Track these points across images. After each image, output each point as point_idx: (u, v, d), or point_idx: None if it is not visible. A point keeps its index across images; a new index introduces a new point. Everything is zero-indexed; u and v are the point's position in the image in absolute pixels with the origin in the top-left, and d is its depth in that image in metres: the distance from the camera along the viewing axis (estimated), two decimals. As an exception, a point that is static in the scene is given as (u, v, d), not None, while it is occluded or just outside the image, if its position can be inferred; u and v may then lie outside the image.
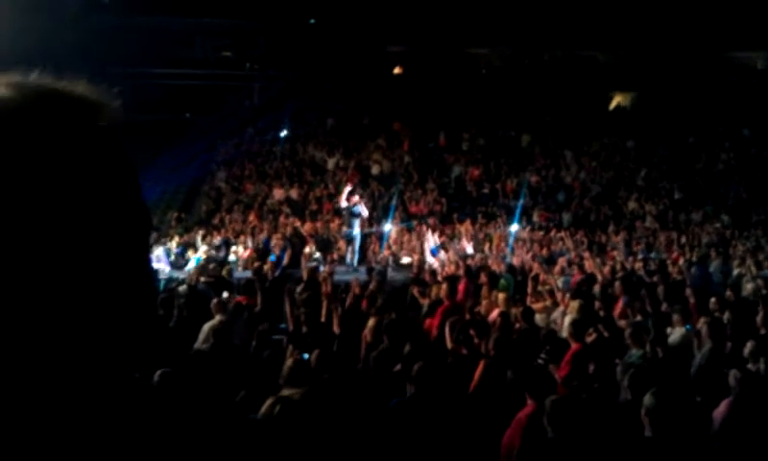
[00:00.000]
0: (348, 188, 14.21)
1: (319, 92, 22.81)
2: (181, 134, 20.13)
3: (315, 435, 1.91)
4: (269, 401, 1.94)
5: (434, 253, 13.85)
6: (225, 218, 17.52)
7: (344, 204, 14.04)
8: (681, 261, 12.27)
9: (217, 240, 14.88)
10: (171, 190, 19.51)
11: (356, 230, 13.76)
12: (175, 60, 23.80)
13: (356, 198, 13.94)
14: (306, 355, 6.24)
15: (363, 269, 12.12)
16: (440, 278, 10.37)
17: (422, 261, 12.77)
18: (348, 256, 13.57)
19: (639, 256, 13.18)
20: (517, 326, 7.76)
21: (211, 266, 12.33)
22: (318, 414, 1.93)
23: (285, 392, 1.93)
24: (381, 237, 15.44)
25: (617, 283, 9.66)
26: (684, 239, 15.11)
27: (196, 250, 14.49)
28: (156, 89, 22.60)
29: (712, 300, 8.62)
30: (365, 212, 14.15)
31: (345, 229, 14.34)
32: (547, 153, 21.40)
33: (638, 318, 7.86)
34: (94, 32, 18.31)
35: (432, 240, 14.48)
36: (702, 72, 23.01)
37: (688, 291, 9.59)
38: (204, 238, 15.07)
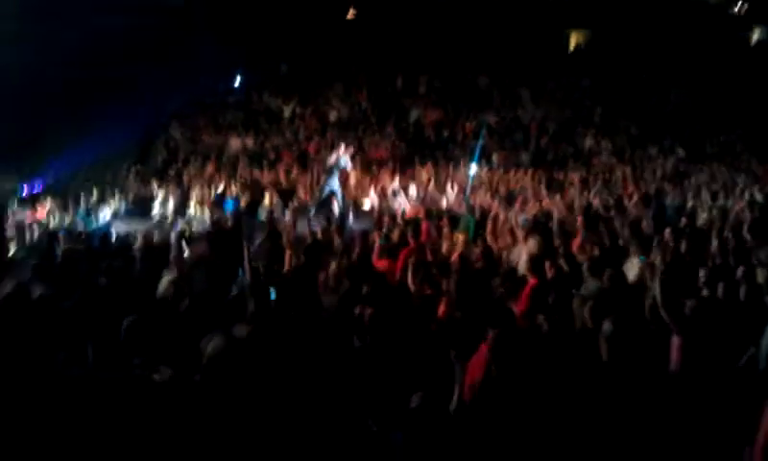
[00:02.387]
0: (341, 150, 14.72)
1: (272, 39, 22.28)
2: (134, 87, 19.58)
3: (260, 372, 1.89)
4: (215, 339, 1.91)
5: (395, 197, 13.87)
6: (181, 169, 17.25)
7: (332, 160, 14.37)
8: (636, 196, 12.47)
9: (173, 192, 14.67)
10: (125, 143, 19.08)
11: (336, 184, 13.96)
12: (123, 9, 22.92)
13: (342, 150, 14.29)
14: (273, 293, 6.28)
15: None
16: (400, 221, 10.40)
17: (383, 206, 12.77)
18: (336, 209, 13.57)
19: (595, 192, 13.35)
20: (478, 265, 7.85)
21: (172, 217, 12.21)
22: (264, 352, 1.91)
23: (234, 331, 1.90)
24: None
25: (578, 218, 9.81)
26: (639, 174, 15.34)
27: (153, 203, 14.32)
28: (108, 41, 21.82)
29: (667, 230, 8.79)
30: (349, 164, 14.55)
31: (323, 179, 14.54)
32: (504, 93, 21.38)
33: (596, 252, 7.98)
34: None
35: (393, 185, 14.48)
36: (654, 7, 22.98)
37: (645, 224, 9.79)
38: (160, 189, 14.85)
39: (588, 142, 18.58)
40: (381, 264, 8.00)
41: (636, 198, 12.34)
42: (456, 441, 4.01)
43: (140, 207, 14.27)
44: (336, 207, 13.58)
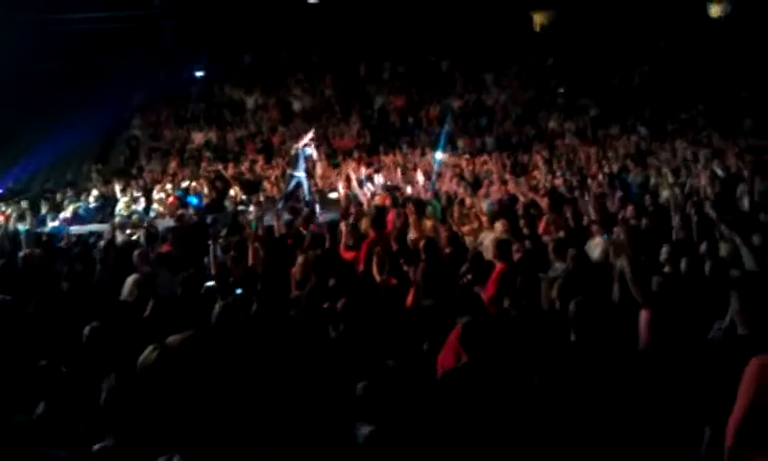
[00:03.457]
0: (309, 135, 14.30)
1: (233, 30, 21.96)
2: (93, 82, 19.18)
3: (197, 381, 1.83)
4: (148, 349, 1.84)
5: (362, 186, 13.81)
6: (143, 167, 16.99)
7: (296, 147, 14.16)
8: (600, 176, 12.56)
9: (137, 191, 14.44)
10: (85, 141, 18.71)
11: (302, 172, 13.82)
12: (80, 2, 22.37)
13: (307, 139, 14.14)
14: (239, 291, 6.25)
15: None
16: (367, 210, 10.35)
17: (350, 196, 12.70)
18: (303, 200, 13.43)
19: (559, 174, 13.43)
20: (447, 250, 7.85)
21: (134, 218, 12.00)
22: (200, 358, 1.84)
23: (169, 338, 1.82)
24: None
25: (545, 201, 9.85)
26: (602, 153, 15.45)
27: (116, 202, 14.07)
28: (63, 36, 21.34)
29: (629, 208, 8.87)
30: (315, 153, 14.36)
31: (289, 171, 14.30)
32: (468, 77, 21.37)
33: (561, 234, 8.01)
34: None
35: (358, 174, 14.41)
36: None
37: (611, 202, 9.88)
38: (123, 190, 14.59)
39: (552, 124, 18.68)
40: (349, 255, 7.97)
41: (600, 177, 12.44)
42: (427, 431, 4.00)
43: (102, 208, 14.01)
44: (303, 199, 13.48)
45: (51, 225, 12.51)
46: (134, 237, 9.95)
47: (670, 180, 11.78)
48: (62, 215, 13.30)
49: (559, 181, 12.42)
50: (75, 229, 12.08)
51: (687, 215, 8.25)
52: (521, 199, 10.42)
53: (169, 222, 11.70)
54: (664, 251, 6.51)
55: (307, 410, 4.06)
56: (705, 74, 19.56)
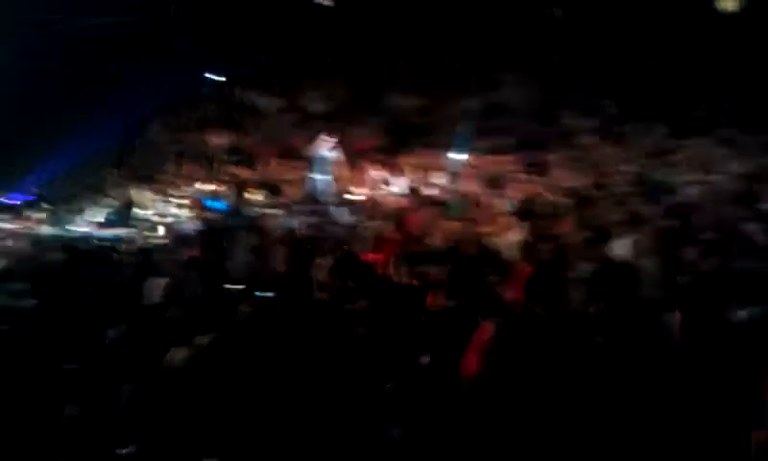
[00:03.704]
0: (330, 138, 14.17)
1: (249, 32, 22.04)
2: (110, 86, 19.34)
3: (226, 382, 1.85)
4: (174, 350, 1.85)
5: (382, 187, 13.83)
6: (164, 170, 17.11)
7: (315, 151, 14.15)
8: (621, 174, 12.48)
9: (158, 194, 14.56)
10: (104, 146, 18.87)
11: (321, 176, 13.82)
12: (98, 7, 22.58)
13: (325, 140, 14.11)
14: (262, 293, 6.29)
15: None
16: (387, 211, 10.37)
17: (370, 197, 12.72)
18: (323, 203, 13.45)
19: (580, 172, 13.32)
20: (469, 252, 7.83)
21: (156, 221, 12.12)
22: (229, 360, 1.86)
23: (198, 339, 1.83)
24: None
25: (567, 200, 9.80)
26: (623, 151, 15.32)
27: (137, 206, 14.20)
28: (80, 41, 21.55)
29: (653, 207, 8.79)
30: (333, 155, 14.32)
31: (309, 173, 14.32)
32: (485, 76, 21.26)
33: (585, 233, 7.97)
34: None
35: (378, 175, 14.42)
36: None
37: (634, 201, 9.81)
38: (144, 194, 14.71)
39: (570, 122, 18.52)
40: (370, 257, 7.97)
41: (621, 176, 12.36)
42: (455, 433, 3.99)
43: (124, 212, 14.13)
44: (323, 201, 13.50)
45: (74, 230, 12.64)
46: (158, 241, 10.03)
47: (693, 177, 11.69)
48: (85, 220, 13.44)
49: (580, 180, 12.34)
50: (98, 233, 12.19)
51: (710, 213, 8.20)
52: (543, 198, 10.37)
53: (191, 225, 11.77)
54: (689, 250, 6.45)
55: (336, 413, 4.06)
56: (724, 69, 19.31)
